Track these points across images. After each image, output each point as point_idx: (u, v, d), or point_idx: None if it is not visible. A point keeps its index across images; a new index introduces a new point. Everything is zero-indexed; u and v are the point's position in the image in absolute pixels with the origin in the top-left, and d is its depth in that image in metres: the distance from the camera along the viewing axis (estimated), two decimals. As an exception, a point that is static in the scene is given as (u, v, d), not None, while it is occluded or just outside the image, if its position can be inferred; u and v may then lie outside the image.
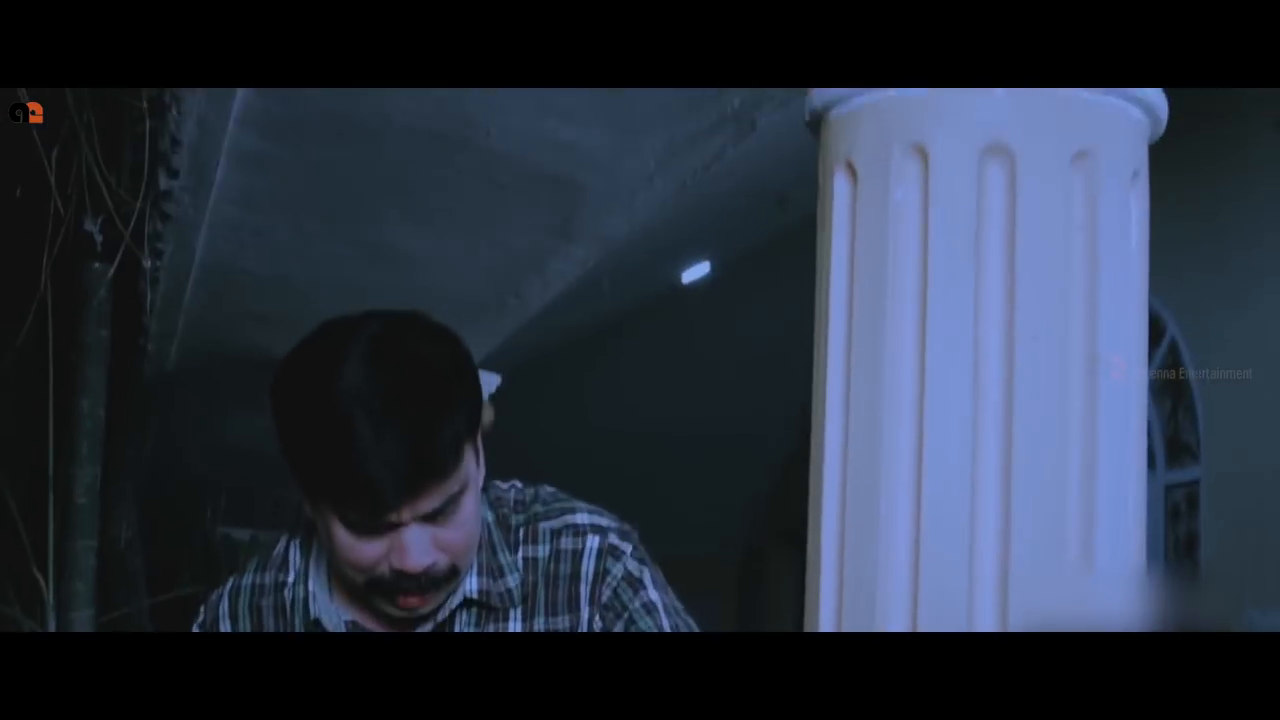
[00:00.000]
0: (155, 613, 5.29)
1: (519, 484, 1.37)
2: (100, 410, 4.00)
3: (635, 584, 1.29)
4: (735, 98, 3.02)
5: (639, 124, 3.27)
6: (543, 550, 1.30)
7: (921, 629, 1.11)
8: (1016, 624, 1.09)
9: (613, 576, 1.29)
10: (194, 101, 3.04)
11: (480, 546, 1.28)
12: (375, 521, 1.17)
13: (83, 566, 3.86)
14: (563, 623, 1.28)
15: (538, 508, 1.33)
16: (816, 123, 1.26)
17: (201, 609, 1.38)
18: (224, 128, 3.21)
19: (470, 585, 1.28)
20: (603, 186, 3.68)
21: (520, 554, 1.30)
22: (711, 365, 8.59)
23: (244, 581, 1.36)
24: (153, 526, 6.11)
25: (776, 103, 2.97)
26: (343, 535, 1.19)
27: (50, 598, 3.73)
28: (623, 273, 5.30)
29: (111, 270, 3.93)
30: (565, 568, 1.30)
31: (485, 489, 1.32)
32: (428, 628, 1.28)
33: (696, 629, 1.32)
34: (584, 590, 1.29)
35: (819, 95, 1.24)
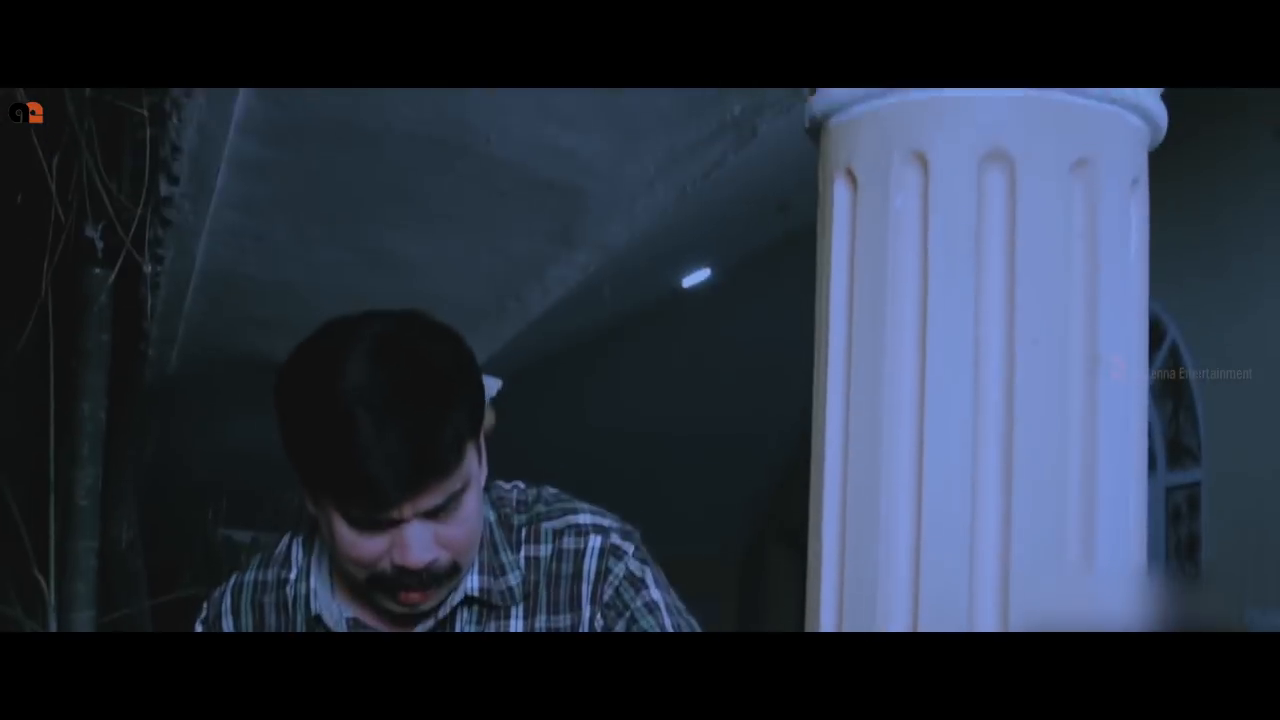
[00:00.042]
0: (157, 614, 5.29)
1: (521, 484, 1.38)
2: (101, 413, 4.01)
3: (637, 583, 1.30)
4: (736, 105, 3.03)
5: (639, 130, 3.27)
6: (545, 550, 1.31)
7: (922, 629, 1.11)
8: (1017, 624, 1.09)
9: (615, 576, 1.30)
10: (194, 108, 3.05)
11: (482, 545, 1.29)
12: (377, 518, 1.18)
13: (84, 567, 3.87)
14: (564, 621, 1.29)
15: (540, 508, 1.34)
16: (816, 130, 1.27)
17: (204, 605, 1.39)
18: (224, 134, 3.21)
19: (471, 583, 1.28)
20: (603, 193, 3.69)
21: (522, 553, 1.31)
22: (712, 370, 8.60)
23: (246, 578, 1.37)
24: (154, 528, 6.11)
25: (777, 109, 2.97)
26: (345, 531, 1.20)
27: (52, 598, 3.73)
28: (623, 279, 5.30)
29: (112, 276, 3.94)
30: (567, 567, 1.30)
31: (488, 489, 1.33)
32: (428, 625, 1.29)
33: (698, 629, 1.32)
34: (586, 589, 1.30)
35: (819, 102, 1.24)
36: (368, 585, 1.24)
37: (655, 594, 1.31)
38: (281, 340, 1.37)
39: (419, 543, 1.19)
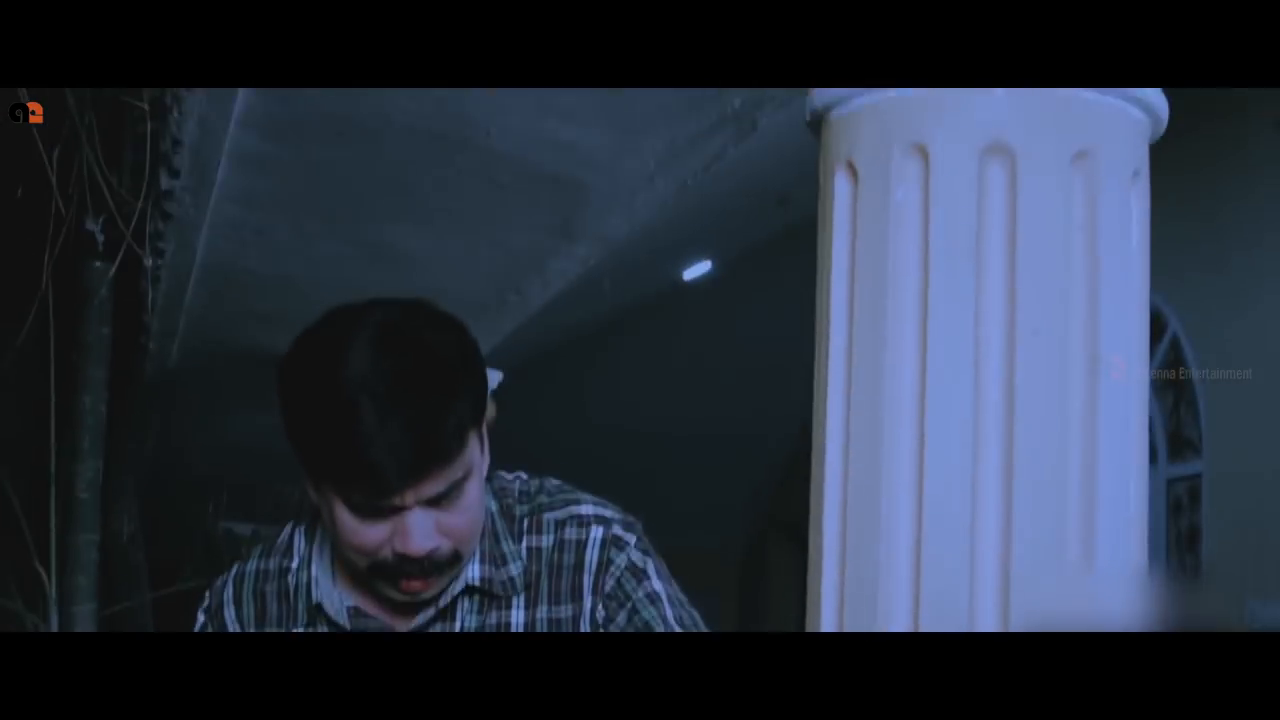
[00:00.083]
0: (158, 607, 5.30)
1: (524, 475, 1.38)
2: (102, 407, 4.01)
3: (639, 574, 1.30)
4: (736, 98, 3.02)
5: (639, 124, 3.27)
6: (547, 540, 1.32)
7: (923, 629, 1.11)
8: (1018, 624, 1.09)
9: (616, 566, 1.30)
10: (195, 102, 3.05)
11: (483, 535, 1.29)
12: (379, 504, 1.18)
13: (85, 561, 3.87)
14: (565, 612, 1.29)
15: (542, 498, 1.34)
16: (817, 123, 1.27)
17: (207, 594, 1.40)
18: (225, 128, 3.21)
19: (472, 572, 1.29)
20: (603, 186, 3.69)
21: (524, 543, 1.31)
22: (712, 363, 8.60)
23: (249, 567, 1.38)
24: (155, 522, 6.12)
25: (777, 103, 2.97)
26: (347, 518, 1.20)
27: (52, 591, 3.74)
28: (624, 272, 5.30)
29: (113, 269, 3.94)
30: (569, 557, 1.31)
31: (490, 479, 1.33)
32: (429, 613, 1.29)
33: (700, 620, 1.32)
34: (587, 580, 1.30)
35: (820, 95, 1.24)
36: (369, 573, 1.24)
37: (657, 585, 1.31)
38: (282, 334, 1.37)
39: (421, 530, 1.19)
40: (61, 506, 3.82)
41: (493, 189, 3.74)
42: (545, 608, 1.30)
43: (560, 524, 1.32)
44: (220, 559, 6.04)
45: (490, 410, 1.28)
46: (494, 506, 1.32)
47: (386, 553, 1.21)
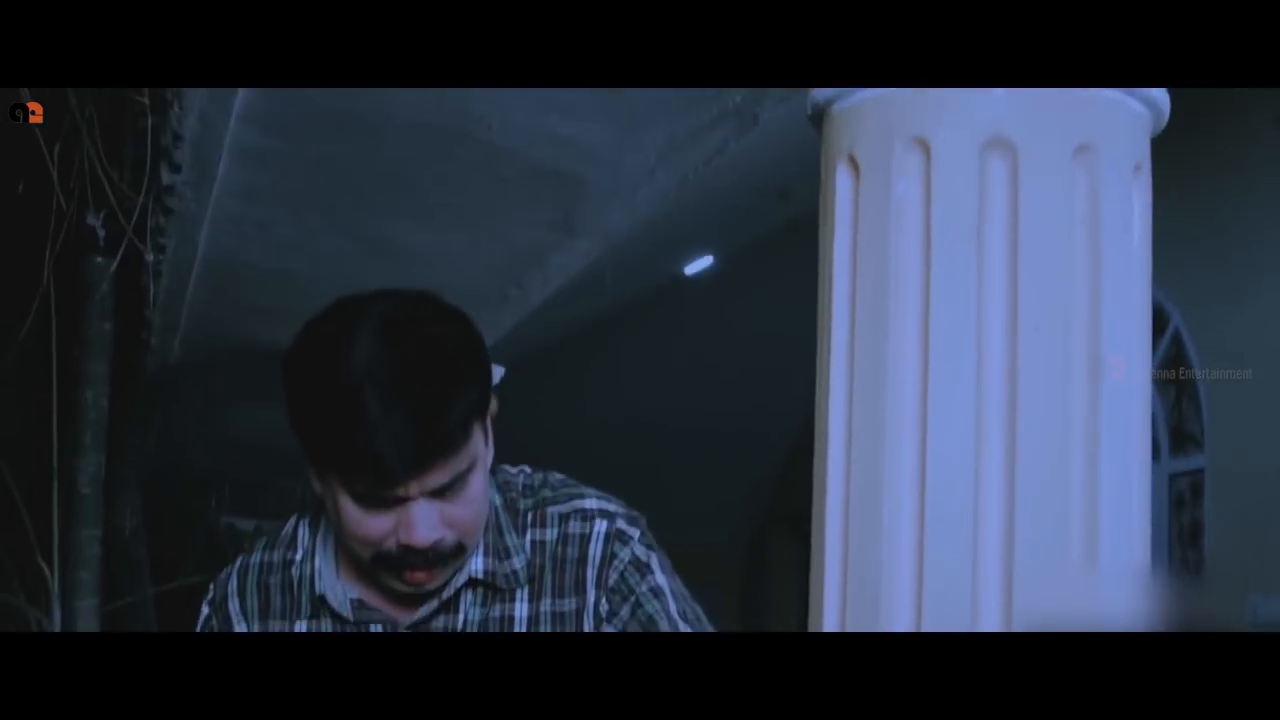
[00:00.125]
0: (160, 602, 5.30)
1: (528, 469, 1.38)
2: (104, 401, 4.01)
3: (642, 568, 1.31)
4: (737, 93, 3.02)
5: (640, 119, 3.27)
6: (550, 534, 1.32)
7: (926, 629, 1.11)
8: (1021, 624, 1.09)
9: (620, 560, 1.30)
10: (195, 97, 3.05)
11: (487, 528, 1.30)
12: (383, 495, 1.18)
13: (87, 555, 3.87)
14: (569, 605, 1.30)
15: (546, 492, 1.35)
16: (818, 117, 1.27)
17: (211, 586, 1.40)
18: (226, 123, 3.22)
19: (476, 565, 1.29)
20: (604, 181, 3.69)
21: (528, 537, 1.32)
22: (713, 358, 8.60)
23: (253, 559, 1.38)
24: (157, 516, 6.12)
25: (778, 97, 2.97)
26: (351, 509, 1.20)
27: (55, 586, 3.74)
28: (625, 266, 5.30)
29: (114, 264, 3.94)
30: (573, 551, 1.31)
31: (494, 472, 1.33)
32: (432, 605, 1.29)
33: (703, 615, 1.33)
34: (591, 573, 1.30)
35: (821, 90, 1.24)
36: (373, 564, 1.24)
37: (660, 579, 1.31)
38: (284, 329, 1.37)
39: (425, 521, 1.20)
40: (64, 501, 3.82)
41: (494, 183, 3.74)
42: (549, 601, 1.30)
43: (564, 518, 1.32)
44: (222, 554, 6.03)
45: (493, 404, 1.28)
46: (498, 500, 1.33)
47: (391, 544, 1.21)
